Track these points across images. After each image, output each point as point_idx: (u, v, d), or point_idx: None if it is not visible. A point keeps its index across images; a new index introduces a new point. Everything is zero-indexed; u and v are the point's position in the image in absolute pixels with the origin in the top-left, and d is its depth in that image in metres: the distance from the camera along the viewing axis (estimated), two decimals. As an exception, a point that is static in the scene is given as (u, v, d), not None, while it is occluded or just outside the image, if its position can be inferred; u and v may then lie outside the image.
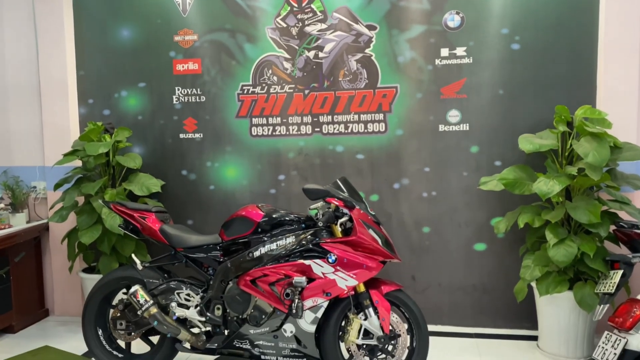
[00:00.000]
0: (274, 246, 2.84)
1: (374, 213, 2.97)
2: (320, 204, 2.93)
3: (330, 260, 2.74)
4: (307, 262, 2.75)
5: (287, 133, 3.88)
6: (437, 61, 3.68)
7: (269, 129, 3.90)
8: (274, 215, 2.91)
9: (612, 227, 3.09)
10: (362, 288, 2.80)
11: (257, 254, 2.85)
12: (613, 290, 2.83)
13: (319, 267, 2.74)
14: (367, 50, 3.75)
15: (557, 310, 3.18)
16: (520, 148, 3.19)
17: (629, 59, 3.39)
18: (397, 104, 3.74)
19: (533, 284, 3.26)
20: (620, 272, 2.87)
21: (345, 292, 2.76)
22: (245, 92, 3.91)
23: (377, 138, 3.79)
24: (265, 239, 2.88)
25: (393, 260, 2.86)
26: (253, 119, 3.92)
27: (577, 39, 3.48)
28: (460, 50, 3.64)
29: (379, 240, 2.82)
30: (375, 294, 2.81)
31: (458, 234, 3.74)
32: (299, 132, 3.87)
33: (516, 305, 3.59)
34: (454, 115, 3.69)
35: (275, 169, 3.92)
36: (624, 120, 3.37)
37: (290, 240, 2.83)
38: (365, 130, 3.80)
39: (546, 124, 3.45)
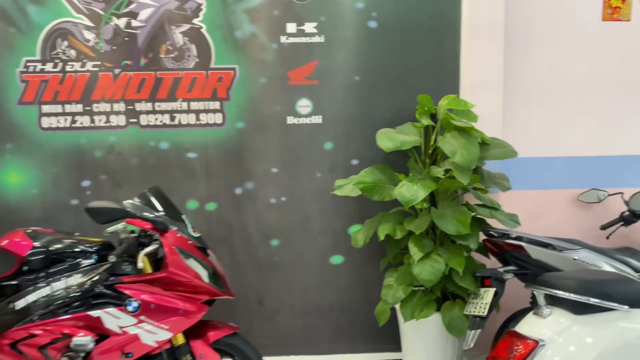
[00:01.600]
0: (46, 291, 1.97)
1: (198, 235, 2.23)
2: (121, 225, 2.12)
3: (130, 308, 1.95)
4: (95, 312, 1.94)
5: (93, 125, 2.96)
6: (283, 38, 3.01)
7: (66, 120, 2.95)
8: (49, 247, 2.03)
9: (482, 237, 2.71)
10: (180, 340, 2.06)
11: (21, 304, 1.96)
12: (485, 313, 2.41)
13: (113, 319, 1.95)
14: (195, 21, 2.96)
15: (423, 334, 2.72)
16: (379, 146, 2.66)
17: (493, 44, 3.02)
18: (237, 90, 3.02)
19: (397, 306, 2.76)
20: (492, 290, 2.47)
21: (156, 347, 1.99)
22: (30, 70, 2.91)
23: (213, 132, 3.03)
24: (39, 280, 2.00)
25: (223, 297, 2.15)
26: (43, 107, 2.93)
27: (440, 19, 3.04)
28: (309, 27, 3.01)
29: (204, 274, 2.09)
30: (199, 345, 2.09)
31: (312, 246, 3.15)
32: (108, 124, 2.97)
33: (378, 326, 3.09)
34: (304, 105, 3.07)
35: (77, 172, 2.99)
36: (489, 113, 3.00)
37: (74, 281, 1.99)
38: (198, 122, 3.02)
39: (409, 116, 2.96)
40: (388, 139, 2.63)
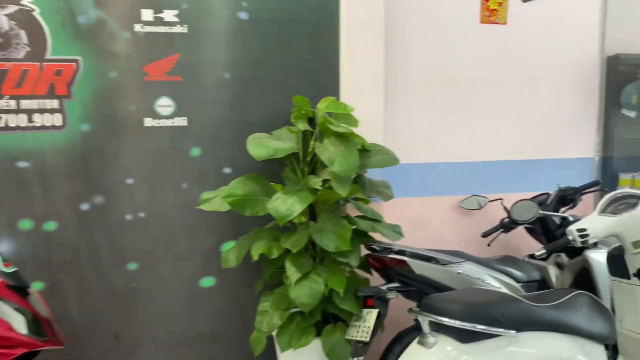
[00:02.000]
0: None
1: (12, 270, 1.74)
2: None
3: None
4: None
5: None
6: (138, 27, 2.57)
7: None
8: None
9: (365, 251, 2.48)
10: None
11: None
12: (367, 339, 2.18)
13: None
14: (25, 2, 2.43)
15: (303, 363, 2.44)
16: (250, 153, 2.33)
17: (373, 43, 2.83)
18: (80, 86, 2.52)
19: (273, 334, 2.45)
20: (375, 312, 2.24)
21: None
22: None
23: (51, 136, 2.51)
24: None
25: (47, 348, 1.69)
26: None
27: (318, 13, 2.78)
28: (170, 14, 2.60)
29: (18, 321, 1.62)
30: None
31: (178, 268, 2.74)
32: None
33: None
34: (165, 104, 2.65)
35: None
36: (371, 117, 2.79)
37: None
38: (31, 124, 2.49)
39: (286, 120, 2.66)
40: (260, 146, 2.31)
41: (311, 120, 2.51)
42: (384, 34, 2.84)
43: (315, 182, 2.28)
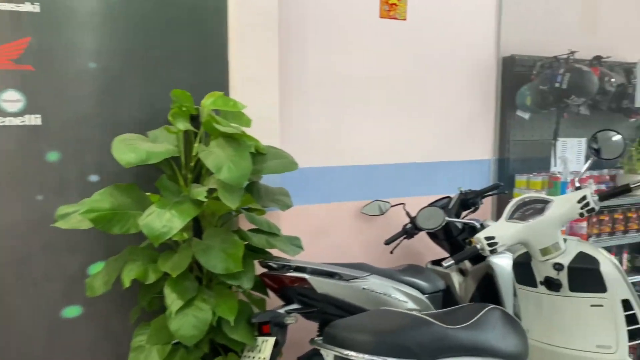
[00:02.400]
0: None
1: None
2: None
3: None
4: None
5: None
6: (-28, 1, 2.06)
7: None
8: None
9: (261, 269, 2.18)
10: None
11: None
12: (264, 372, 1.89)
13: None
14: None
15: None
16: (116, 159, 1.93)
17: (266, 33, 2.53)
18: None
19: (153, 372, 2.06)
20: (272, 340, 1.96)
21: None
22: None
23: None
24: None
25: None
26: None
27: (202, -5, 2.44)
28: (15, -12, 2.12)
29: None
30: None
31: (33, 296, 2.25)
32: None
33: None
34: (12, 99, 2.16)
35: None
36: (265, 115, 2.51)
37: None
38: None
39: (165, 119, 2.28)
40: (129, 149, 1.92)
41: (195, 119, 2.16)
42: (278, 20, 2.56)
43: (200, 192, 1.94)
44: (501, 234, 1.99)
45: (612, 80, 3.13)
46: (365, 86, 2.91)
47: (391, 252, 2.84)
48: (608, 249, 3.47)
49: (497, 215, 3.31)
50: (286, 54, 2.66)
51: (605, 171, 3.50)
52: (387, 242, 2.78)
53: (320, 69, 2.79)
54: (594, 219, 3.31)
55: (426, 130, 3.12)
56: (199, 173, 2.18)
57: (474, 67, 3.21)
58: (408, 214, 2.82)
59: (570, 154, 3.45)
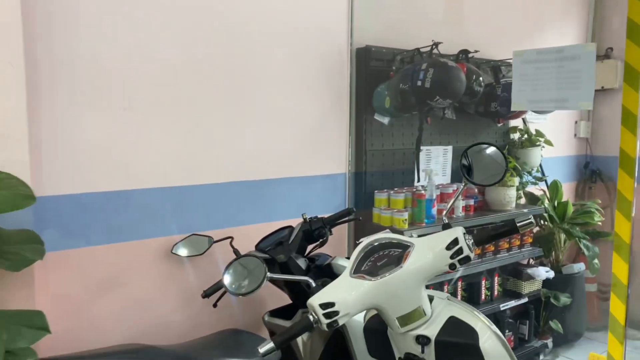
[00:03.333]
0: None
1: None
2: None
3: None
4: None
5: None
6: None
7: None
8: None
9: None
10: None
11: None
12: None
13: None
14: None
15: None
16: None
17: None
18: None
19: None
20: None
21: None
22: None
23: None
24: None
25: None
26: None
27: None
28: None
29: None
30: None
31: None
32: None
33: None
34: None
35: None
36: (3, 123, 1.62)
37: None
38: None
39: None
40: None
41: None
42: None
43: None
44: (343, 299, 1.32)
45: (481, 79, 2.68)
46: (169, 82, 2.12)
47: (214, 306, 2.08)
48: (479, 274, 3.08)
49: (355, 246, 2.73)
50: (42, 37, 1.79)
51: (473, 183, 3.07)
52: (206, 294, 2.02)
53: (96, 58, 1.94)
54: (463, 241, 2.84)
55: (262, 139, 2.41)
56: None
57: (322, 60, 2.57)
58: (236, 252, 2.09)
59: (435, 165, 2.96)
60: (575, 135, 4.06)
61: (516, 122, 3.43)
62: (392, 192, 2.68)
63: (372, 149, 2.73)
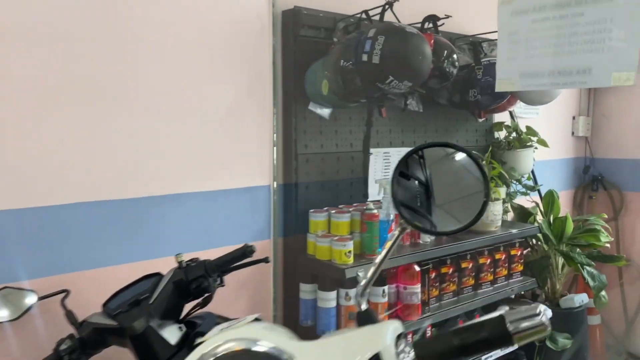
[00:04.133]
0: None
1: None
2: None
3: None
4: None
5: None
6: None
7: None
8: None
9: None
10: None
11: None
12: None
13: None
14: None
15: None
16: None
17: None
18: None
19: None
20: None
21: None
22: None
23: None
24: None
25: None
26: None
27: None
28: None
29: None
30: None
31: None
32: None
33: None
34: None
35: None
36: None
37: None
38: None
39: None
40: None
41: None
42: None
43: None
44: None
45: (455, 56, 1.95)
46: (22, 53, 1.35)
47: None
48: (455, 318, 2.30)
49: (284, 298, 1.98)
50: None
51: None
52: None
53: None
54: (433, 274, 2.11)
55: (144, 140, 1.66)
56: None
57: (233, 28, 1.82)
58: (70, 314, 1.33)
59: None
60: (572, 133, 3.37)
61: (502, 117, 2.71)
62: (333, 211, 1.93)
63: (307, 152, 1.98)
